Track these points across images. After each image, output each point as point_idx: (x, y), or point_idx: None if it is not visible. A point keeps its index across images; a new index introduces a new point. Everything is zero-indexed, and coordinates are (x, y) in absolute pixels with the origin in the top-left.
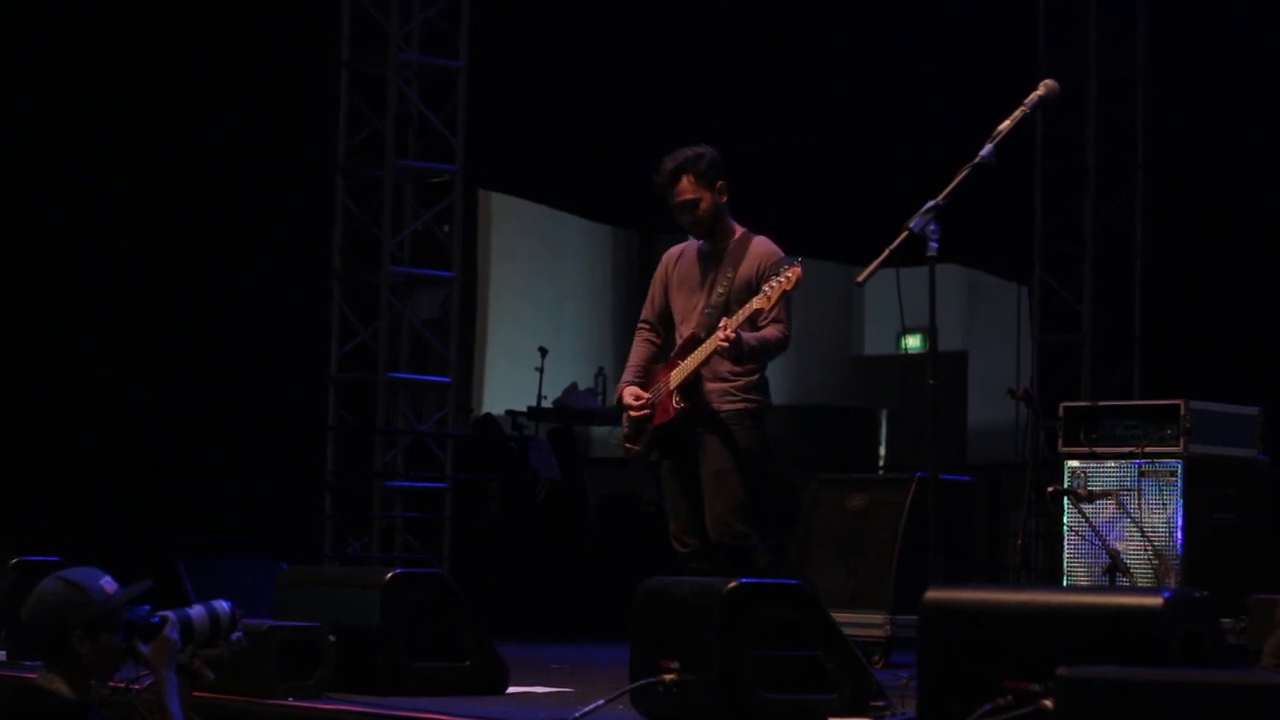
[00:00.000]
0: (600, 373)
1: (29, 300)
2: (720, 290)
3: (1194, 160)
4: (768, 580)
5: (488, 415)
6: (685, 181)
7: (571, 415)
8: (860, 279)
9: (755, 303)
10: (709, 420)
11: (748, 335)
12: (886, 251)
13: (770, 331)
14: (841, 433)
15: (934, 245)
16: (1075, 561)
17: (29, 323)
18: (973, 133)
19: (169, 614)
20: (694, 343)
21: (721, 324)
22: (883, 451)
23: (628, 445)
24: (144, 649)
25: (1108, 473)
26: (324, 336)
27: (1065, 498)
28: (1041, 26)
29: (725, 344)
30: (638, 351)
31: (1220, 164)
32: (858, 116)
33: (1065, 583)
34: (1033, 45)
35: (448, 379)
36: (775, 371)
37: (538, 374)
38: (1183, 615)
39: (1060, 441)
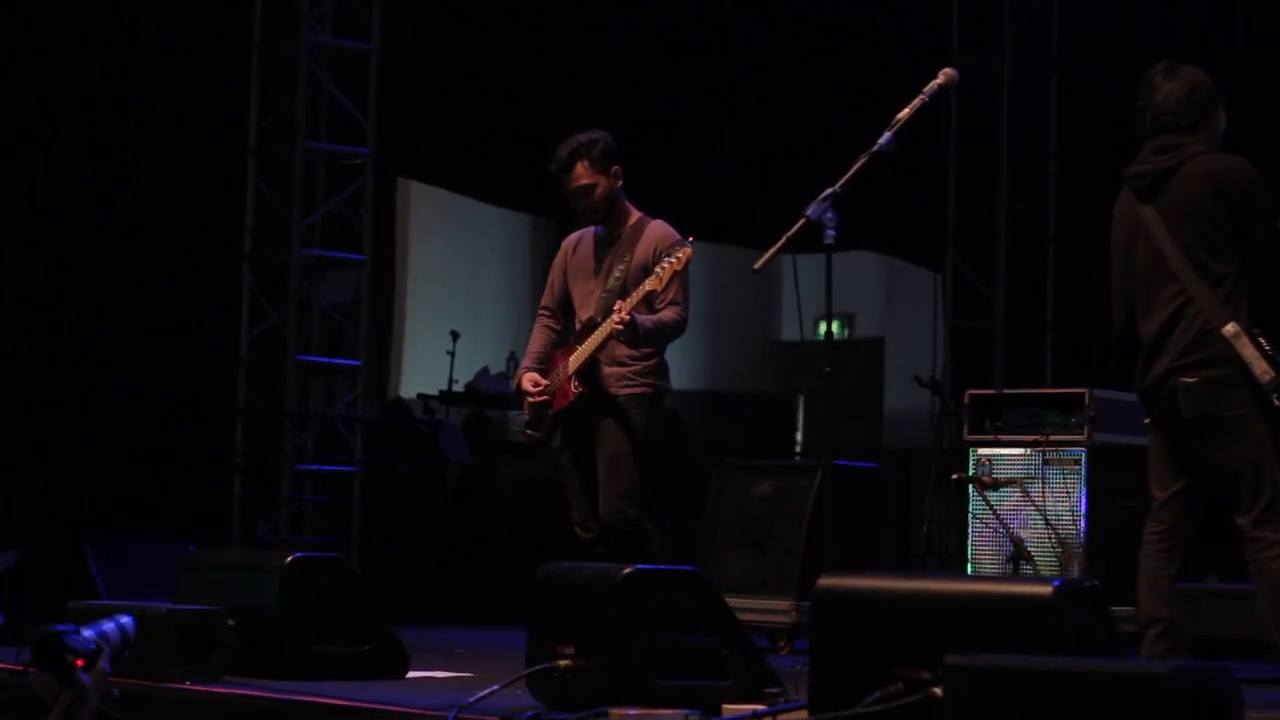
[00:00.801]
0: (512, 357)
1: None
2: (617, 275)
3: (1105, 151)
4: (662, 566)
5: (398, 399)
6: (580, 167)
7: (482, 399)
8: (757, 266)
9: (648, 284)
10: (606, 404)
11: (643, 318)
12: (784, 239)
13: (667, 314)
14: (759, 419)
15: (831, 233)
16: (980, 549)
17: None
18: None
19: (98, 640)
20: (590, 327)
21: (616, 307)
22: (800, 438)
23: (528, 432)
24: (86, 679)
25: (1013, 460)
26: (234, 318)
27: (970, 485)
28: (956, 20)
29: (619, 326)
30: (537, 338)
31: (1131, 154)
32: (776, 104)
33: (970, 570)
34: (948, 40)
35: (358, 362)
36: (694, 356)
37: (449, 358)
38: (1073, 604)
39: (966, 429)
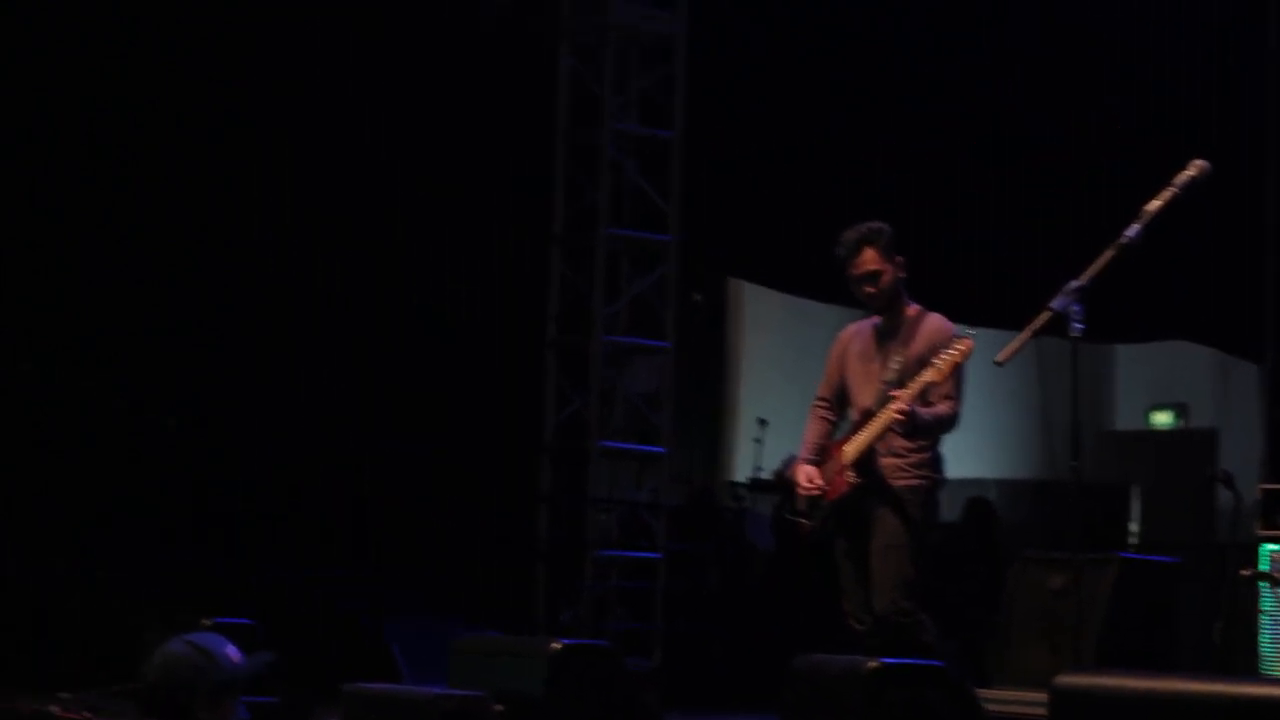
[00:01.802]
0: None
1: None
2: (894, 366)
3: None
4: (910, 661)
5: (705, 486)
6: (868, 253)
7: (788, 487)
8: (1000, 359)
9: (927, 375)
10: (881, 495)
11: (921, 410)
12: (1028, 332)
13: (942, 408)
14: (1092, 510)
15: (1078, 326)
16: (1274, 647)
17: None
18: None
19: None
20: (868, 417)
21: (894, 395)
22: (1134, 528)
23: (801, 521)
24: None
25: None
26: (538, 405)
27: (1262, 582)
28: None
29: (900, 417)
30: (813, 429)
31: None
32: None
33: (1261, 669)
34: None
35: (661, 449)
36: (1025, 446)
37: (756, 445)
38: None
39: (1259, 524)
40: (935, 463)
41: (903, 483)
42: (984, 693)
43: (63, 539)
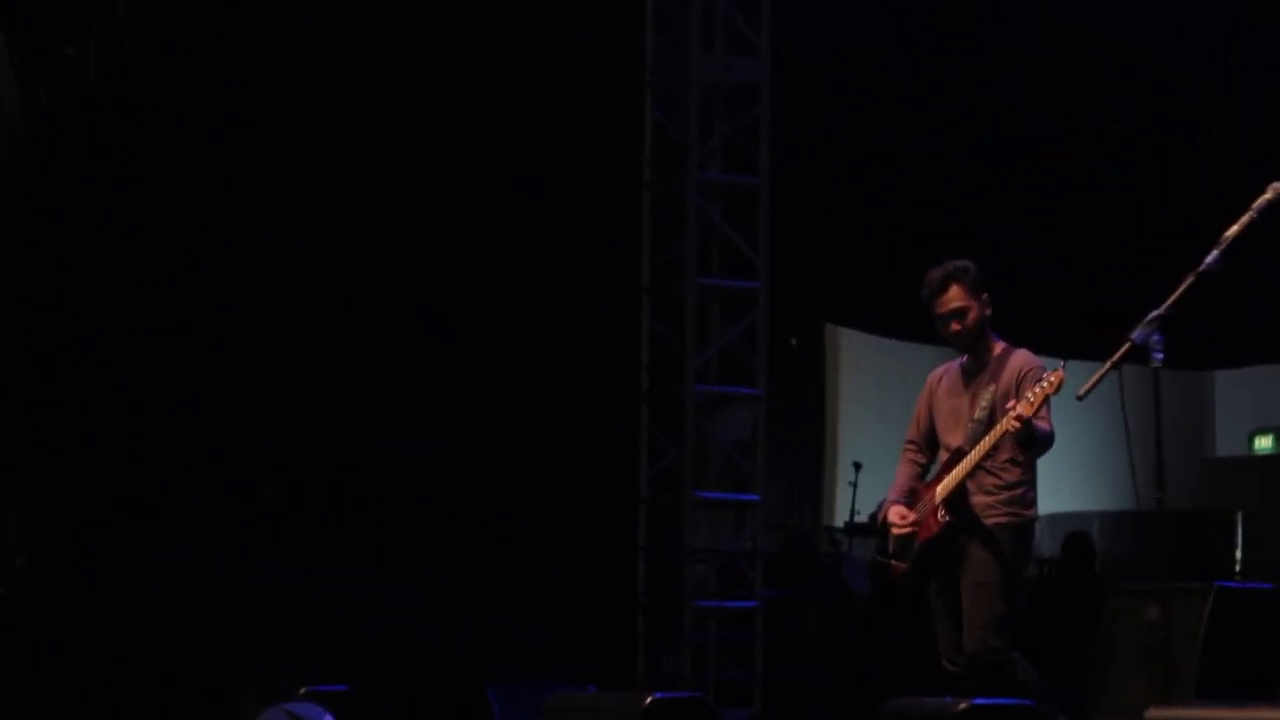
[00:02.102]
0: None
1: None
2: (984, 404)
3: None
4: (998, 700)
5: (799, 531)
6: (954, 290)
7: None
8: (1081, 393)
9: (1019, 408)
10: (972, 532)
11: (1037, 421)
12: (1109, 364)
13: (1045, 424)
14: (1192, 538)
15: (1158, 356)
16: None
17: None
18: None
19: None
20: (959, 456)
21: (1009, 405)
22: (1239, 555)
23: (894, 563)
24: None
25: None
26: (633, 456)
27: None
28: None
29: (1017, 424)
30: (903, 472)
31: None
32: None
33: None
34: None
35: (755, 497)
36: (1125, 476)
37: (851, 488)
38: None
39: None
40: (1026, 500)
41: (994, 520)
42: None
43: (64, 539)
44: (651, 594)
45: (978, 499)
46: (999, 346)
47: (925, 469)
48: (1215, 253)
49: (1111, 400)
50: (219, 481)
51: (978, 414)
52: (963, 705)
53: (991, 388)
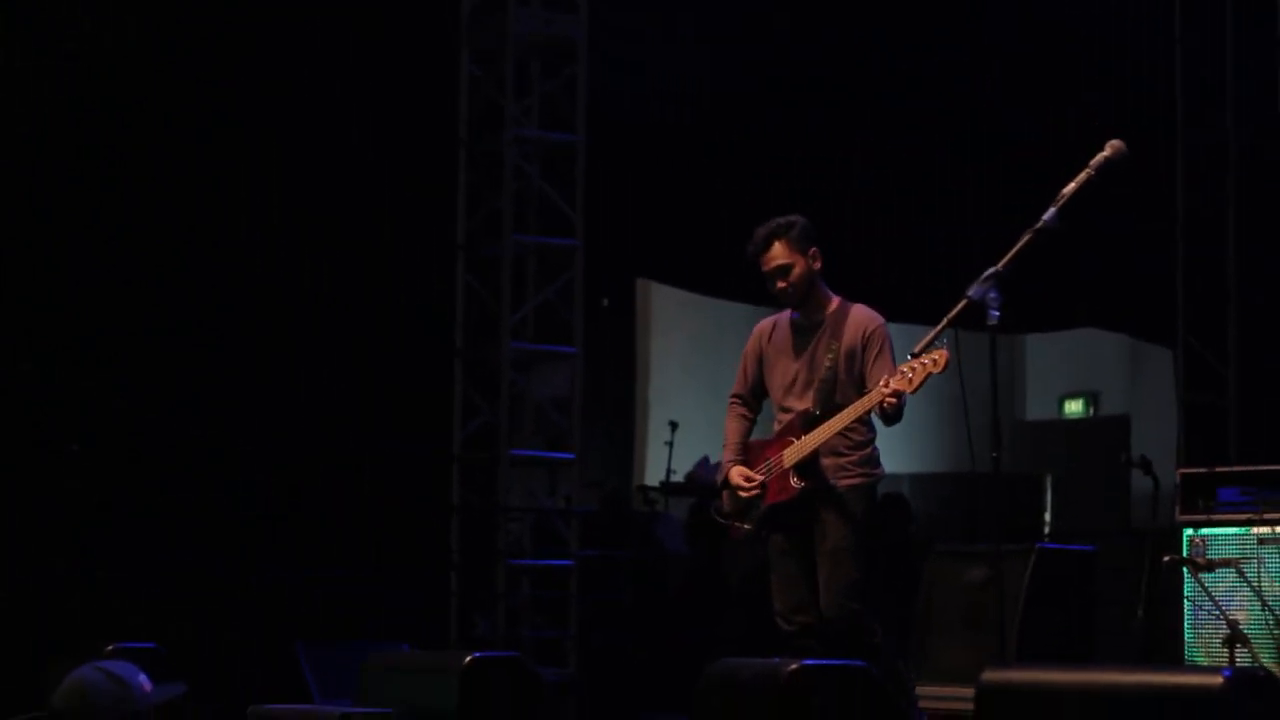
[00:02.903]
0: None
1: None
2: (828, 364)
3: None
4: (829, 662)
5: (615, 491)
6: (777, 247)
7: (702, 489)
8: (916, 350)
9: (895, 384)
10: (826, 496)
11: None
12: (945, 321)
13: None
14: (1005, 500)
15: (994, 314)
16: (1197, 634)
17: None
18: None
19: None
20: (810, 420)
21: (883, 381)
22: (1048, 518)
23: (735, 524)
24: None
25: (1227, 541)
26: (447, 415)
27: (1183, 567)
28: (1180, 91)
29: (894, 400)
30: (733, 428)
31: None
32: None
33: (1186, 655)
34: (1172, 111)
35: (571, 455)
36: (937, 438)
37: (667, 448)
38: (1247, 695)
39: (1179, 509)
40: (874, 460)
41: (847, 482)
42: None
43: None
44: (465, 553)
45: (828, 461)
46: (834, 301)
47: (753, 423)
48: (1052, 210)
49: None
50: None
51: (824, 374)
52: (792, 666)
53: (834, 346)
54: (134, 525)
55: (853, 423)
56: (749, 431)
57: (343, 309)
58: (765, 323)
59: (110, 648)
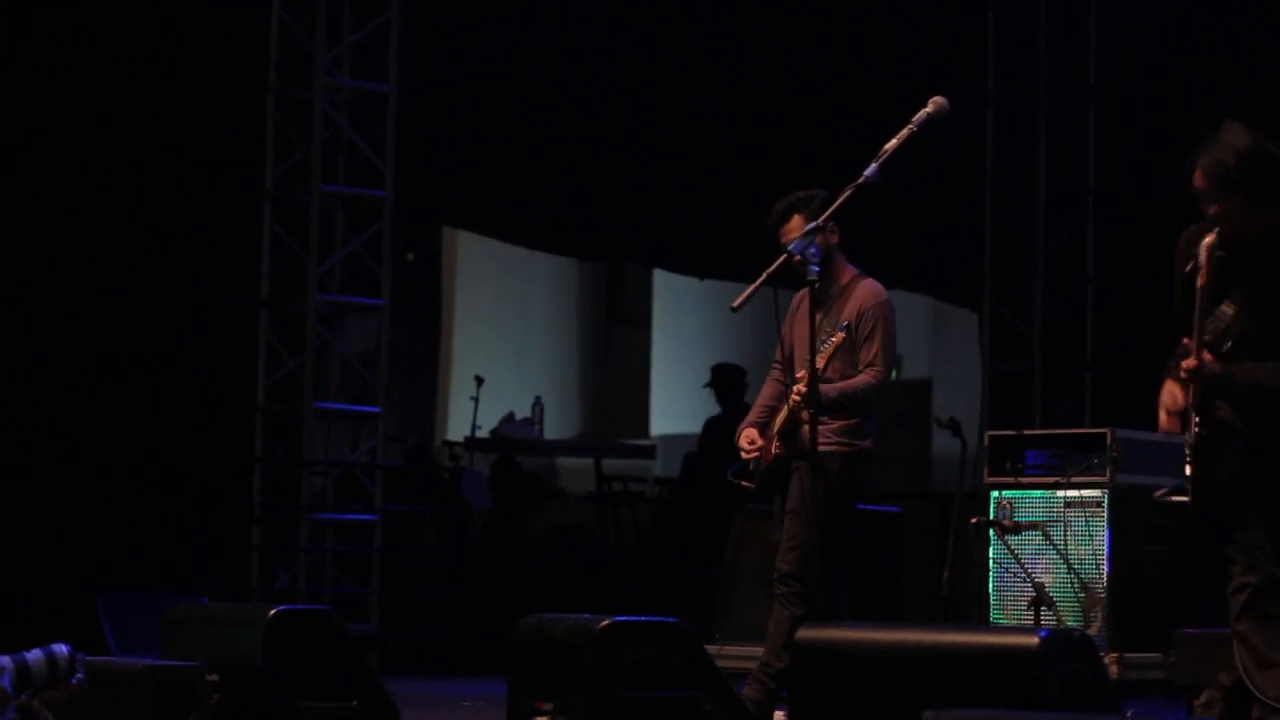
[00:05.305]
0: (537, 402)
1: None
2: (826, 335)
3: (1145, 187)
4: (641, 619)
5: (419, 445)
6: (796, 220)
7: (507, 445)
8: (735, 304)
9: (835, 339)
10: (802, 459)
11: (826, 388)
12: (764, 275)
13: (860, 379)
14: None
15: (815, 269)
16: (1002, 595)
17: None
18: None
19: (3, 661)
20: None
21: (799, 375)
22: None
23: (743, 483)
24: None
25: (1034, 503)
26: (251, 366)
27: (990, 529)
28: (992, 58)
29: (797, 398)
30: (765, 391)
31: (1169, 190)
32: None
33: (993, 616)
34: (984, 77)
35: (377, 409)
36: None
37: (473, 403)
38: (1061, 655)
39: (986, 471)
40: (857, 430)
41: (823, 448)
42: (710, 649)
43: None
44: (267, 506)
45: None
46: (848, 273)
47: (788, 389)
48: (874, 165)
49: (752, 316)
50: None
51: (823, 345)
52: (605, 622)
53: (836, 319)
54: None
55: None
56: (779, 395)
57: (146, 255)
58: (801, 292)
59: None
